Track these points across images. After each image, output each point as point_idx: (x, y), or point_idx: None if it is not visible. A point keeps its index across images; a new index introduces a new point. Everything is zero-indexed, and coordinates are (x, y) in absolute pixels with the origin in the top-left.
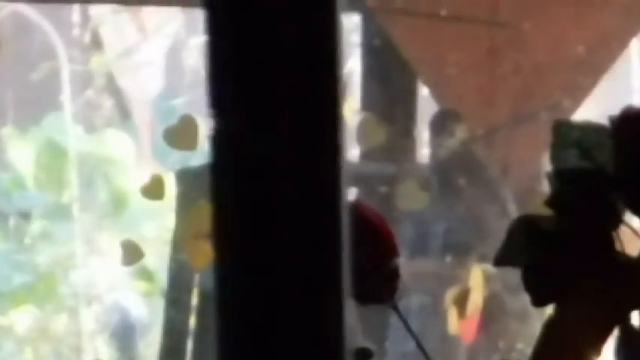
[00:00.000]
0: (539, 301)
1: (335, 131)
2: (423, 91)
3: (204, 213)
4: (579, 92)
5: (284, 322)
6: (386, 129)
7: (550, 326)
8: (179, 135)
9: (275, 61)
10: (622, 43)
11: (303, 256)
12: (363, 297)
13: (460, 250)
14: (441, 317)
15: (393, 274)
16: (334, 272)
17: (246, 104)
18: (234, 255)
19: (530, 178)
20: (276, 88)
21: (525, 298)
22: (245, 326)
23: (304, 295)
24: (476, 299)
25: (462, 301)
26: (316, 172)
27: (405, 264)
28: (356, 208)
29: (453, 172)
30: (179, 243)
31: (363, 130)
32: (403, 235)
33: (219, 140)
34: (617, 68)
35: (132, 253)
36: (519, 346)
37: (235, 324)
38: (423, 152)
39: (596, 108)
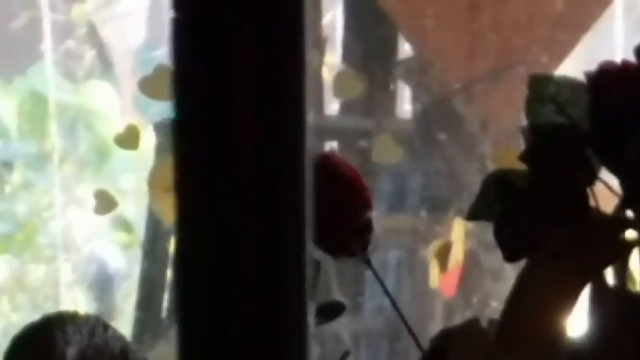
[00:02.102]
0: (510, 256)
1: (299, 81)
2: (406, 47)
3: None
4: (559, 48)
5: (244, 277)
6: (364, 82)
7: (522, 282)
8: (155, 85)
9: (236, 10)
10: (604, 1)
11: (264, 209)
12: (335, 250)
13: (437, 206)
14: (417, 273)
15: (366, 227)
16: (297, 225)
17: (207, 57)
18: (194, 211)
19: (508, 133)
20: (237, 39)
21: (501, 257)
22: (205, 282)
23: (265, 247)
24: (457, 254)
25: (443, 255)
26: (279, 124)
27: (381, 219)
28: (328, 159)
29: (431, 127)
30: (152, 195)
31: (339, 84)
32: (380, 190)
33: (180, 93)
34: (600, 26)
35: (105, 203)
36: (493, 304)
37: (195, 278)
38: (405, 108)
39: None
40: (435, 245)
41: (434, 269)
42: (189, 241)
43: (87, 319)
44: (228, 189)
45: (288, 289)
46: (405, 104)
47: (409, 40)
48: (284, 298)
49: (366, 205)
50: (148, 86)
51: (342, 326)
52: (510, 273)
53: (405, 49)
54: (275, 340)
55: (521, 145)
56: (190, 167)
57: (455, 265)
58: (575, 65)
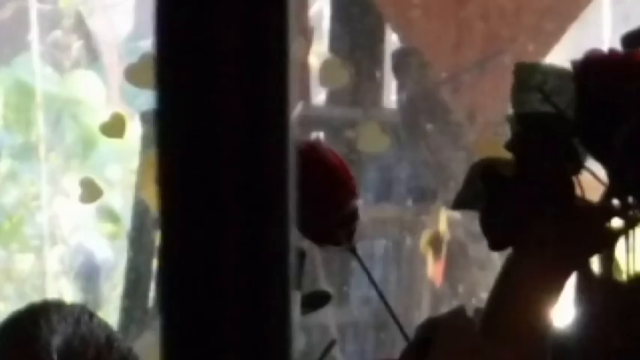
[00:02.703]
0: (496, 245)
1: (283, 70)
2: (394, 37)
3: None
4: (546, 38)
5: (228, 267)
6: (350, 71)
7: (507, 271)
8: (140, 73)
9: (221, 1)
10: None
11: (248, 199)
12: (321, 239)
13: (424, 196)
14: (403, 263)
15: (352, 216)
16: (281, 214)
17: (190, 46)
18: (177, 201)
19: (495, 123)
20: (221, 27)
21: (487, 246)
22: (188, 272)
23: (249, 237)
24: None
25: (436, 244)
26: (263, 113)
27: (368, 209)
28: (313, 148)
29: (417, 116)
30: (141, 185)
31: (325, 72)
32: (367, 180)
33: (163, 83)
34: (587, 17)
35: (91, 192)
36: (480, 294)
37: (179, 268)
38: (391, 98)
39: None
40: (426, 235)
41: (429, 258)
42: (173, 232)
43: (72, 308)
44: (212, 179)
45: (272, 278)
46: (391, 95)
47: (396, 30)
48: (268, 287)
49: (352, 194)
50: (133, 75)
51: (329, 316)
52: (497, 262)
53: (392, 39)
54: (259, 330)
55: (507, 134)
56: (173, 157)
57: (442, 255)
58: (562, 55)
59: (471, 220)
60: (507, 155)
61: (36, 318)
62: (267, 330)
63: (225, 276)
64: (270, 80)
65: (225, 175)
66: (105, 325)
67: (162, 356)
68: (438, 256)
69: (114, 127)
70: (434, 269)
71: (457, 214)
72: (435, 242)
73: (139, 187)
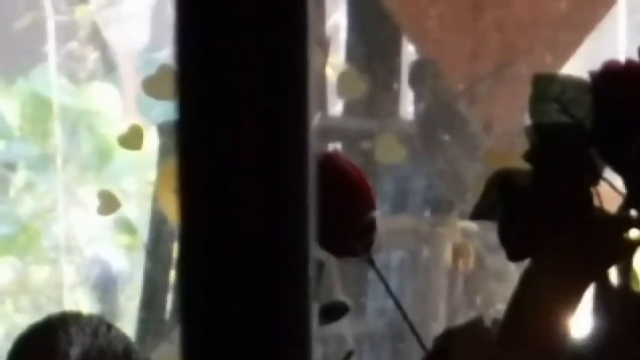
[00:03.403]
0: (514, 256)
1: (303, 81)
2: (410, 48)
3: None
4: (562, 49)
5: (248, 278)
6: (366, 82)
7: (525, 282)
8: (158, 85)
9: (240, 10)
10: (608, 1)
11: (268, 210)
12: (339, 250)
13: (440, 207)
14: (420, 274)
15: (370, 227)
16: (300, 226)
17: (211, 58)
18: (197, 211)
19: (511, 134)
20: (241, 39)
21: (505, 258)
22: (208, 283)
23: (269, 248)
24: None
25: (464, 253)
26: (283, 124)
27: (384, 220)
28: (332, 159)
29: (433, 128)
30: (159, 196)
31: (342, 83)
32: (383, 191)
33: (183, 94)
34: (604, 28)
35: (109, 203)
36: (498, 305)
37: (198, 279)
38: (408, 110)
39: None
40: (452, 245)
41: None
42: (193, 242)
43: (90, 319)
44: (232, 190)
45: (291, 289)
46: (408, 106)
47: (412, 40)
48: (288, 299)
49: (370, 205)
50: (151, 86)
51: (345, 327)
52: (514, 274)
53: (409, 50)
54: (279, 341)
55: (522, 145)
56: (194, 167)
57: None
58: (578, 66)
59: (487, 232)
60: (519, 165)
61: (54, 330)
62: (288, 342)
63: (245, 287)
64: (291, 90)
65: (245, 185)
66: (123, 337)
67: None
68: (466, 264)
69: (132, 139)
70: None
71: (474, 226)
72: (463, 251)
73: (156, 198)
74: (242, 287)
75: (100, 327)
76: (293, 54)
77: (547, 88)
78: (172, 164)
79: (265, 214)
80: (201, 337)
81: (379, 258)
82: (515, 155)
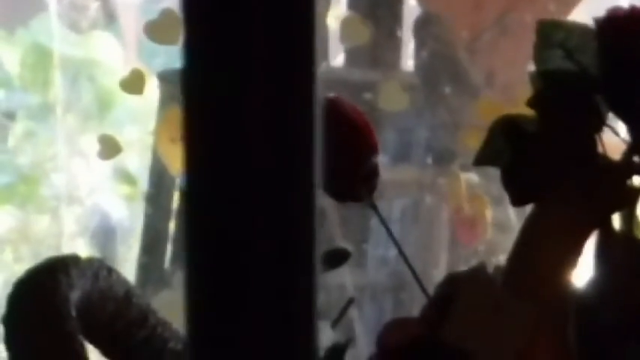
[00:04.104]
0: (518, 201)
1: (310, 28)
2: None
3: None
4: None
5: (253, 227)
6: (370, 29)
7: (529, 228)
8: (160, 29)
9: None
10: None
11: (274, 159)
12: (342, 194)
13: (442, 157)
14: (421, 223)
15: (373, 172)
16: (307, 172)
17: (219, 4)
18: (204, 160)
19: (515, 84)
20: None
21: (507, 210)
22: (214, 228)
23: (275, 194)
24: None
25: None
26: (290, 74)
27: (386, 170)
28: (335, 103)
29: (435, 78)
30: (158, 145)
31: (346, 30)
32: (385, 141)
33: (191, 43)
34: None
35: (109, 148)
36: (500, 256)
37: (204, 225)
38: (409, 62)
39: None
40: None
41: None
42: (199, 191)
43: (91, 262)
44: (238, 136)
45: (298, 236)
46: (409, 58)
47: None
48: (294, 245)
49: (373, 150)
50: (153, 30)
51: (346, 277)
52: (515, 225)
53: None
54: (284, 286)
55: (526, 96)
56: (200, 114)
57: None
58: (582, 15)
59: (489, 182)
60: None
61: (54, 272)
62: (293, 287)
63: (252, 234)
64: (298, 37)
65: (252, 133)
66: (124, 281)
67: (187, 309)
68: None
69: (133, 83)
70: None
71: (475, 176)
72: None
73: (155, 146)
74: (248, 234)
75: (101, 270)
76: (301, 3)
77: (551, 35)
78: (171, 113)
79: (272, 162)
80: (207, 280)
81: (381, 207)
82: (509, 104)
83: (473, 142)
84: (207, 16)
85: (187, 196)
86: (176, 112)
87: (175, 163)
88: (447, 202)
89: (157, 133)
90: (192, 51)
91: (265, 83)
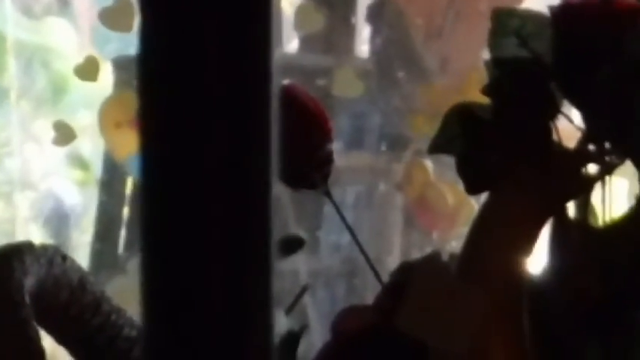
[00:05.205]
0: (472, 189)
1: (266, 14)
2: None
3: (125, 101)
4: None
5: (208, 214)
6: (324, 16)
7: (484, 215)
8: (115, 16)
9: None
10: None
11: (229, 146)
12: (296, 181)
13: (396, 144)
14: (375, 210)
15: (327, 159)
16: (262, 159)
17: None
18: (160, 146)
19: (469, 70)
20: None
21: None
22: (168, 215)
23: (229, 183)
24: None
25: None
26: (245, 59)
27: (340, 156)
28: (289, 90)
29: (390, 64)
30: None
31: (300, 17)
32: (339, 128)
33: (146, 30)
34: None
35: (64, 134)
36: (453, 243)
37: (159, 210)
38: (363, 48)
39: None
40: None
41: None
42: (154, 176)
43: (45, 249)
44: (194, 123)
45: (254, 223)
46: (363, 44)
47: None
48: (249, 232)
49: (327, 137)
50: (107, 17)
51: (300, 263)
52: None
53: None
54: (240, 273)
55: (481, 82)
56: (155, 102)
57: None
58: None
59: (442, 169)
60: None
61: (8, 259)
62: (249, 275)
63: (207, 220)
64: (253, 23)
65: (207, 118)
66: (78, 267)
67: (142, 296)
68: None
69: (87, 70)
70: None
71: (429, 163)
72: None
73: (102, 132)
74: (203, 221)
75: (55, 257)
76: None
77: (507, 22)
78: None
79: (227, 148)
80: (162, 269)
81: (335, 194)
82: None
83: (427, 128)
84: (162, 3)
85: (142, 182)
86: (120, 98)
87: (119, 148)
88: (402, 188)
89: (102, 118)
90: (147, 38)
91: (220, 70)
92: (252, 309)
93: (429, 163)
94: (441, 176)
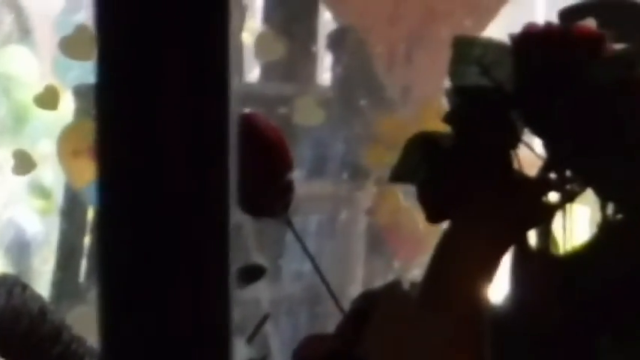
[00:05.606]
0: (434, 218)
1: (224, 42)
2: (327, 14)
3: (84, 130)
4: (482, 13)
5: (166, 244)
6: (285, 45)
7: (445, 243)
8: (75, 45)
9: None
10: None
11: (187, 176)
12: (257, 210)
13: (358, 172)
14: (337, 238)
15: (288, 188)
16: (221, 187)
17: (131, 20)
18: (116, 175)
19: (431, 98)
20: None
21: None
22: (127, 243)
23: (187, 212)
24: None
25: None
26: (204, 91)
27: (302, 185)
28: (250, 120)
29: (351, 92)
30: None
31: (260, 46)
32: (301, 156)
33: (104, 56)
34: None
35: (24, 163)
36: (415, 271)
37: (117, 239)
38: (326, 76)
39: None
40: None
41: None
42: (111, 205)
43: (5, 279)
44: (151, 152)
45: (212, 252)
46: (325, 72)
47: (330, 5)
48: (208, 261)
49: (288, 166)
50: (68, 47)
51: (262, 291)
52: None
53: (326, 13)
54: (199, 301)
55: (443, 109)
56: (113, 131)
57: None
58: (497, 31)
59: (405, 196)
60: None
61: None
62: (208, 303)
63: (166, 249)
64: (212, 54)
65: (164, 147)
66: (38, 297)
67: (100, 327)
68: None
69: (48, 99)
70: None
71: (399, 189)
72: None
73: (60, 159)
74: (162, 250)
75: (15, 287)
76: (215, 16)
77: (467, 51)
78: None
79: (186, 178)
80: (120, 299)
81: (297, 222)
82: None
83: (387, 157)
84: (120, 33)
85: (100, 211)
86: (79, 126)
87: (77, 176)
88: (372, 214)
89: (60, 146)
90: (105, 67)
91: (178, 99)
92: (211, 337)
93: (399, 189)
94: (412, 202)
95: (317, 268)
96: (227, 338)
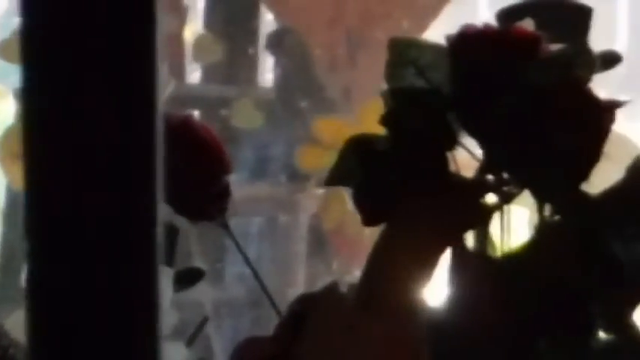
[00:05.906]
0: (370, 221)
1: (150, 43)
2: (269, 14)
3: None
4: (420, 14)
5: (93, 245)
6: (223, 47)
7: (381, 246)
8: (13, 48)
9: None
10: None
11: (114, 178)
12: (194, 214)
13: (297, 174)
14: (278, 240)
15: (224, 191)
16: (146, 194)
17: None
18: (41, 177)
19: (371, 100)
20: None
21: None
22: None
23: (114, 215)
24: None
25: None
26: (129, 87)
27: (242, 187)
28: (185, 123)
29: (292, 94)
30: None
31: (198, 48)
32: (241, 158)
33: (30, 61)
34: None
35: None
36: (355, 272)
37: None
38: (267, 77)
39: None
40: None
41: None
42: (37, 208)
43: None
44: (77, 154)
45: (138, 252)
46: (266, 73)
47: (270, 7)
48: (134, 264)
49: (224, 169)
50: (7, 50)
51: (204, 294)
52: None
53: (268, 15)
54: (125, 307)
55: (381, 111)
56: (39, 132)
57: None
58: (437, 32)
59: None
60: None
61: None
62: (134, 305)
63: (91, 254)
64: (138, 57)
65: (90, 152)
66: None
67: (28, 332)
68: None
69: None
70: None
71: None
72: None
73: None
74: (88, 250)
75: None
76: (140, 18)
77: (404, 53)
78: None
79: (111, 179)
80: (48, 301)
81: (237, 225)
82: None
83: (326, 159)
84: (44, 37)
85: (27, 213)
86: (17, 128)
87: (18, 179)
88: (319, 217)
89: (1, 149)
90: (29, 72)
91: (103, 105)
92: (138, 342)
93: (345, 192)
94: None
95: (254, 271)
96: (154, 343)
